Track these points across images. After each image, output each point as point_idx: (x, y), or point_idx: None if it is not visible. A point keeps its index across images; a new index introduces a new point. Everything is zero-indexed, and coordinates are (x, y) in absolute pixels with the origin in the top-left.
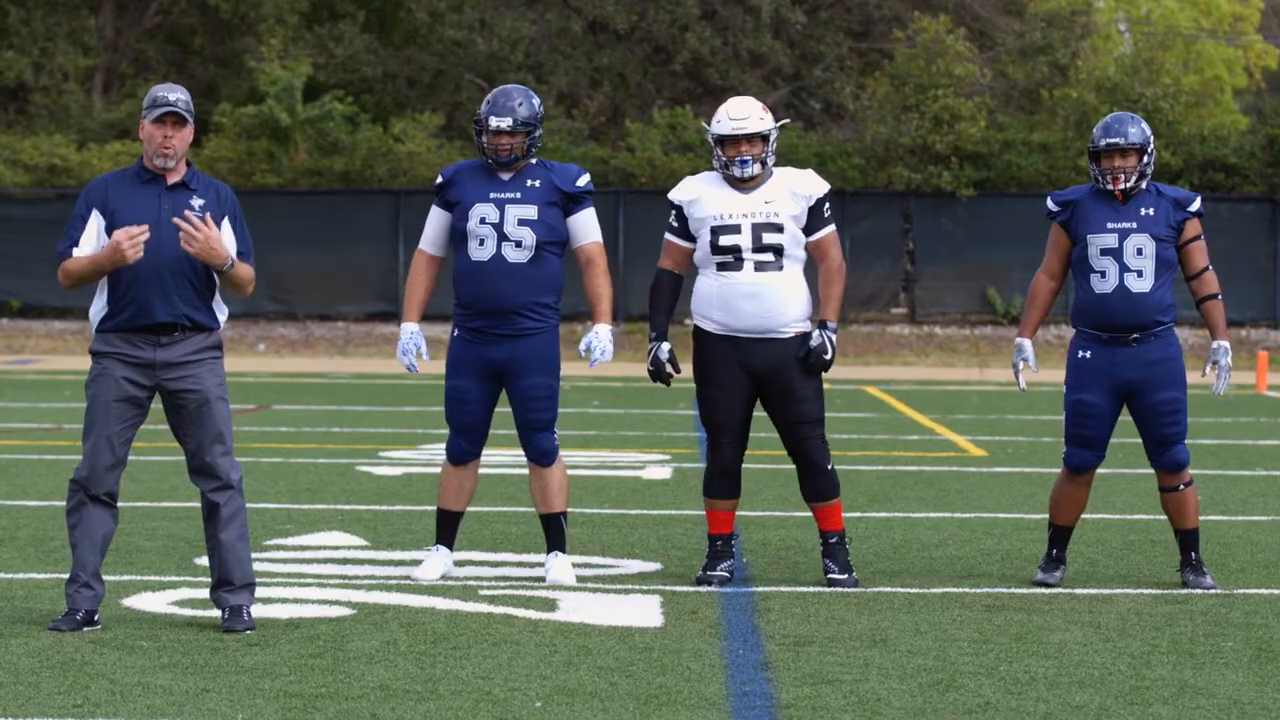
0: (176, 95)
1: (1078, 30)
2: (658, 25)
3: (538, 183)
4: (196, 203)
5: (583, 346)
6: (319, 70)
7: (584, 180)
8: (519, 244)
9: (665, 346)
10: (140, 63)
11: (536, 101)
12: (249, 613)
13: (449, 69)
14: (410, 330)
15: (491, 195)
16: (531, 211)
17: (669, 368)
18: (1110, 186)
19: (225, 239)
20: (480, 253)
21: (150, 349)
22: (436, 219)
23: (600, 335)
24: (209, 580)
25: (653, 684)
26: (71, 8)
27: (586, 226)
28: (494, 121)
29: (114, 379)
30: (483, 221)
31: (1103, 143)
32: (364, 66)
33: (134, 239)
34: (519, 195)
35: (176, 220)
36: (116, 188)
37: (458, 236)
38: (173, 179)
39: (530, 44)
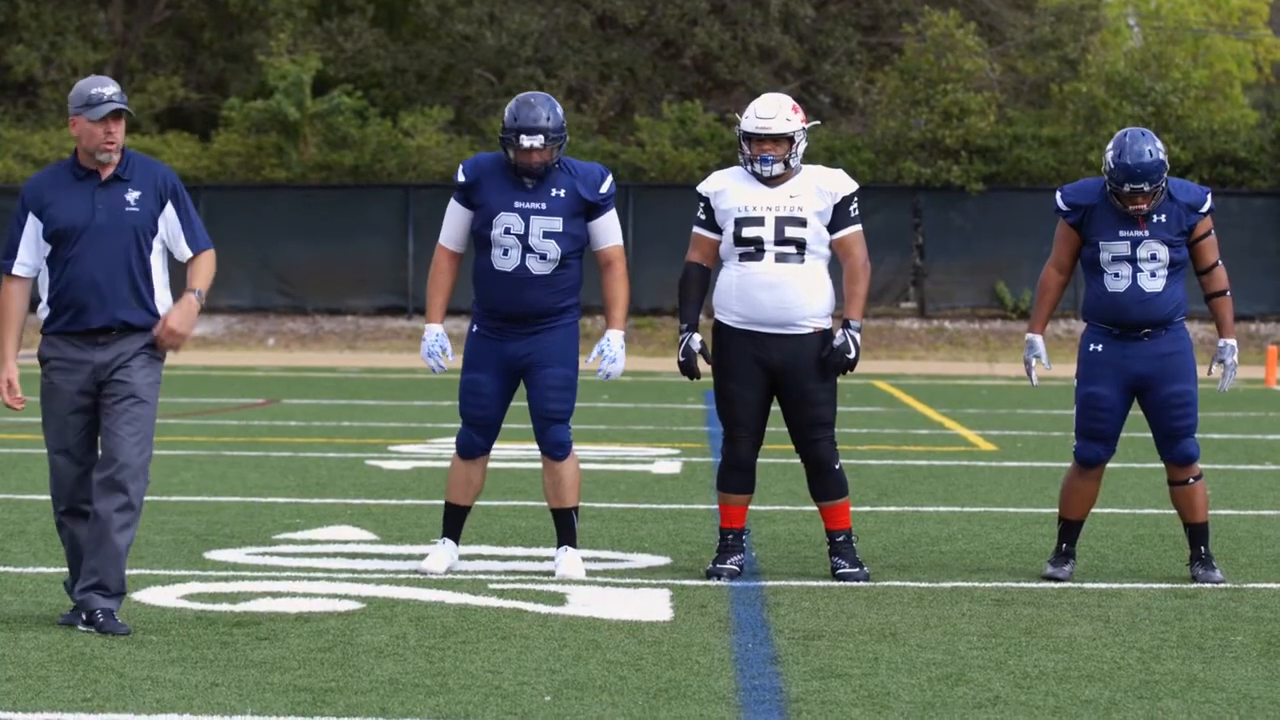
0: (113, 90)
1: (1087, 25)
2: (667, 19)
3: (563, 192)
4: (131, 196)
5: (594, 354)
6: (328, 64)
7: (607, 185)
8: (544, 256)
9: (696, 338)
10: (149, 57)
11: (559, 108)
12: (116, 617)
13: (458, 63)
14: (436, 332)
15: (516, 205)
16: (557, 224)
17: (700, 359)
18: (1133, 214)
19: (168, 226)
20: (504, 262)
21: (89, 349)
22: (458, 215)
23: (612, 343)
24: (219, 575)
25: (662, 678)
26: (81, 2)
27: (607, 230)
28: (526, 140)
29: (65, 395)
30: (507, 232)
31: (1126, 188)
32: (373, 61)
33: (10, 401)
34: (544, 206)
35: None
36: (51, 188)
37: (480, 241)
38: (106, 173)
39: (539, 38)
